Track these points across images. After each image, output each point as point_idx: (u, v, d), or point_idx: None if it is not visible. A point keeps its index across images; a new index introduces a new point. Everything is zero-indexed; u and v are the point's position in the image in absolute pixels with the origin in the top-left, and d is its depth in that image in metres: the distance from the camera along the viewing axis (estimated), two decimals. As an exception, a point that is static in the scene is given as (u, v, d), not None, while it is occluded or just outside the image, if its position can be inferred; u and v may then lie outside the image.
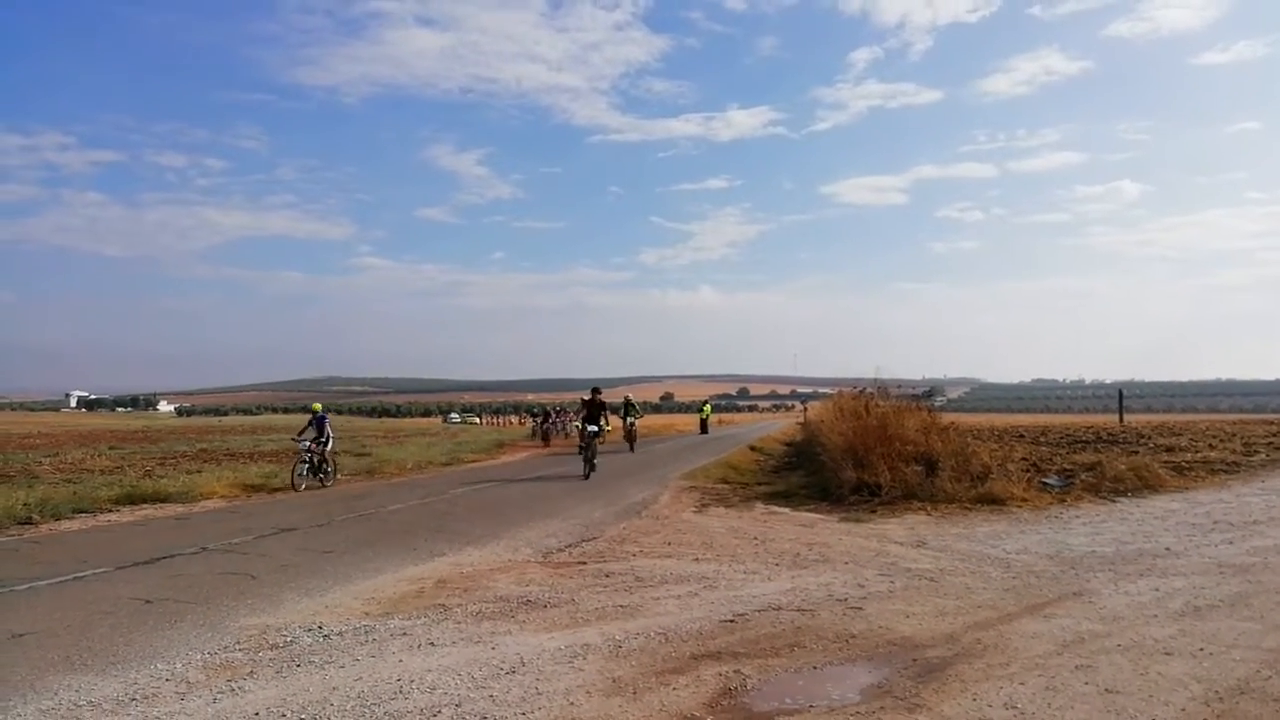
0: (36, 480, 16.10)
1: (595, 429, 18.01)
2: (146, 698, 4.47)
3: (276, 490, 15.57)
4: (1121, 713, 4.13)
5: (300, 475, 15.92)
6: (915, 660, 5.02)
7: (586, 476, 17.11)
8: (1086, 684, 4.54)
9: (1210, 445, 18.58)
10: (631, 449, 25.83)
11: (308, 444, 16.50)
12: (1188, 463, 15.43)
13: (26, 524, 11.08)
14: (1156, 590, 6.70)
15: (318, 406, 18.02)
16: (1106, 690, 4.43)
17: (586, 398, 19.32)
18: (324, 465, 16.67)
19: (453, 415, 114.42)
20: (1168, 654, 5.04)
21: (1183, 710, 4.15)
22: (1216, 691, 4.40)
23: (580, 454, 18.05)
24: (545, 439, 33.76)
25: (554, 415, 39.16)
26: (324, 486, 16.20)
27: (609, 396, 22.80)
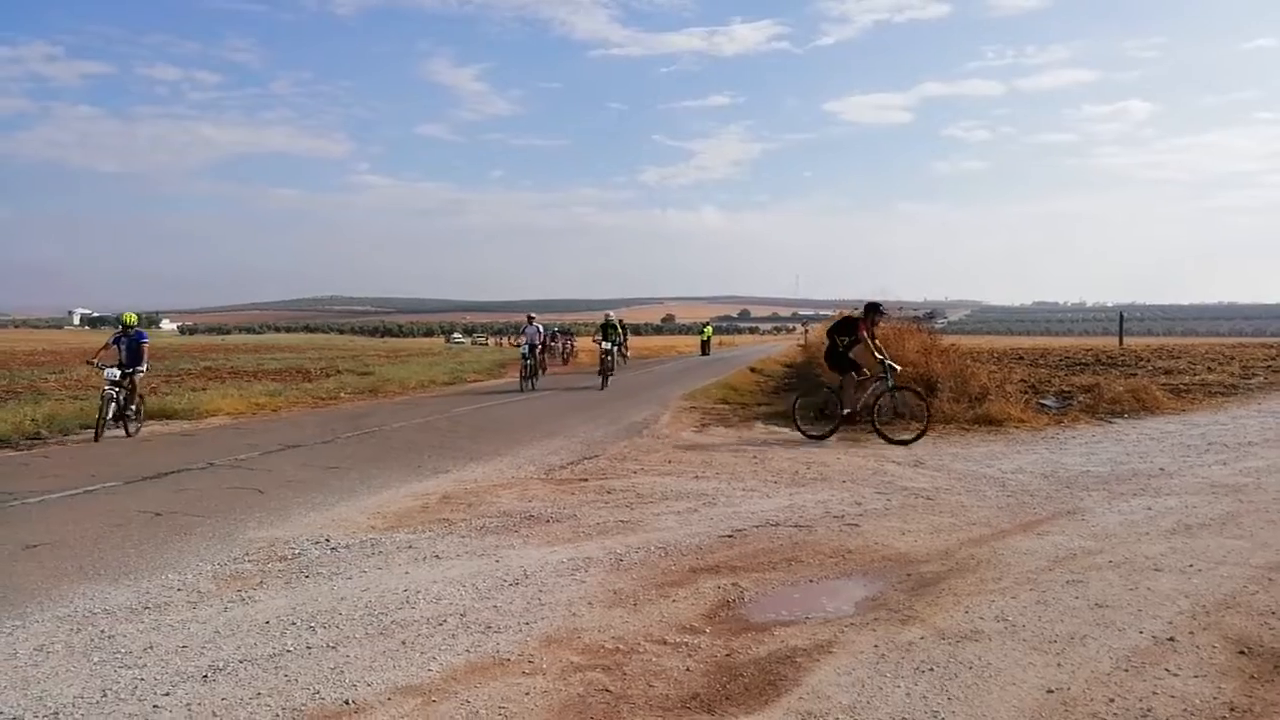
0: (43, 396, 16.23)
1: (609, 345, 21.29)
2: (159, 606, 4.59)
3: (280, 409, 15.69)
4: (1110, 625, 4.23)
5: (106, 420, 11.43)
6: (909, 575, 5.13)
7: (602, 387, 20.18)
8: (1077, 598, 4.64)
9: (1208, 368, 18.64)
10: (603, 384, 20.39)
11: (115, 374, 11.77)
12: (1185, 385, 15.51)
13: (36, 439, 11.21)
14: (1149, 509, 6.80)
15: (131, 318, 12.68)
16: (1096, 604, 4.54)
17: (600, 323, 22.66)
18: (131, 404, 12.04)
19: (456, 335, 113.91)
20: (1157, 570, 5.14)
21: (1170, 623, 4.26)
22: (1203, 606, 4.51)
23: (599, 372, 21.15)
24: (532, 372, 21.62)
25: (560, 336, 35.29)
26: (129, 435, 11.81)
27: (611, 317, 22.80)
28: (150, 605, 4.61)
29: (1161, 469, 8.55)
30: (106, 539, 5.98)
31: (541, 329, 23.55)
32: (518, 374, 21.06)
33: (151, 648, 4.01)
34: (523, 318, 25.08)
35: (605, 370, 20.98)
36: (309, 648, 4.01)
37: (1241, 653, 3.90)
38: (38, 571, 5.20)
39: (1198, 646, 3.97)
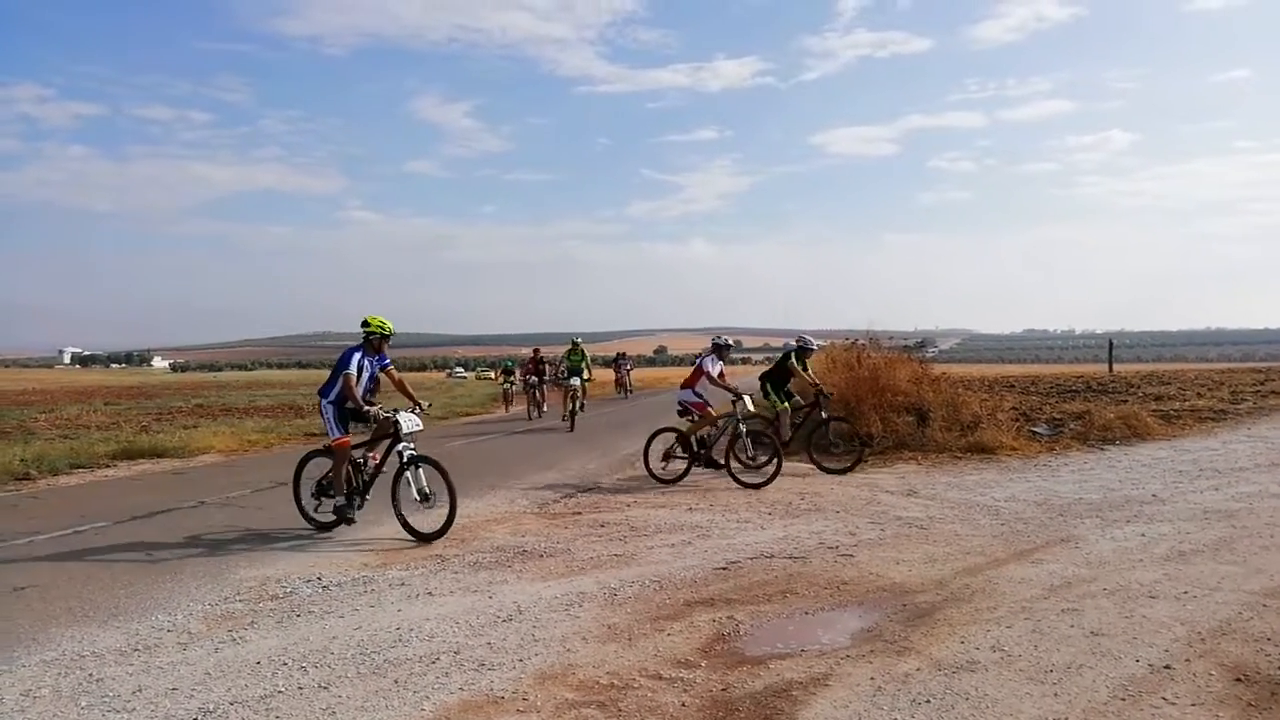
0: (33, 436, 16.13)
1: (577, 382, 18.77)
2: (149, 648, 4.54)
3: (272, 445, 15.62)
4: (1106, 654, 4.22)
5: None
6: (905, 605, 5.12)
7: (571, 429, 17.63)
8: (1072, 627, 4.63)
9: (1198, 394, 18.71)
10: (571, 426, 17.72)
11: None
12: (1176, 411, 15.56)
13: (24, 479, 11.12)
14: (1142, 536, 6.81)
15: None
16: (1092, 633, 4.53)
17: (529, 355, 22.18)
18: None
19: (458, 369, 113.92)
20: (1152, 597, 5.14)
21: (1166, 651, 4.25)
22: (1199, 633, 4.51)
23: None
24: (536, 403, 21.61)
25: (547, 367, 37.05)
26: None
27: (605, 350, 22.95)
28: (140, 647, 4.56)
29: (1154, 495, 8.56)
30: (95, 580, 5.92)
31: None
32: (513, 407, 22.01)
33: (140, 690, 3.96)
34: (515, 350, 25.26)
35: (572, 411, 18.09)
36: (300, 688, 3.96)
37: (1238, 680, 3.89)
38: (25, 614, 5.13)
39: (1194, 675, 3.96)
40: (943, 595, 5.31)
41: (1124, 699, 3.71)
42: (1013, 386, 23.20)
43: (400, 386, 7.77)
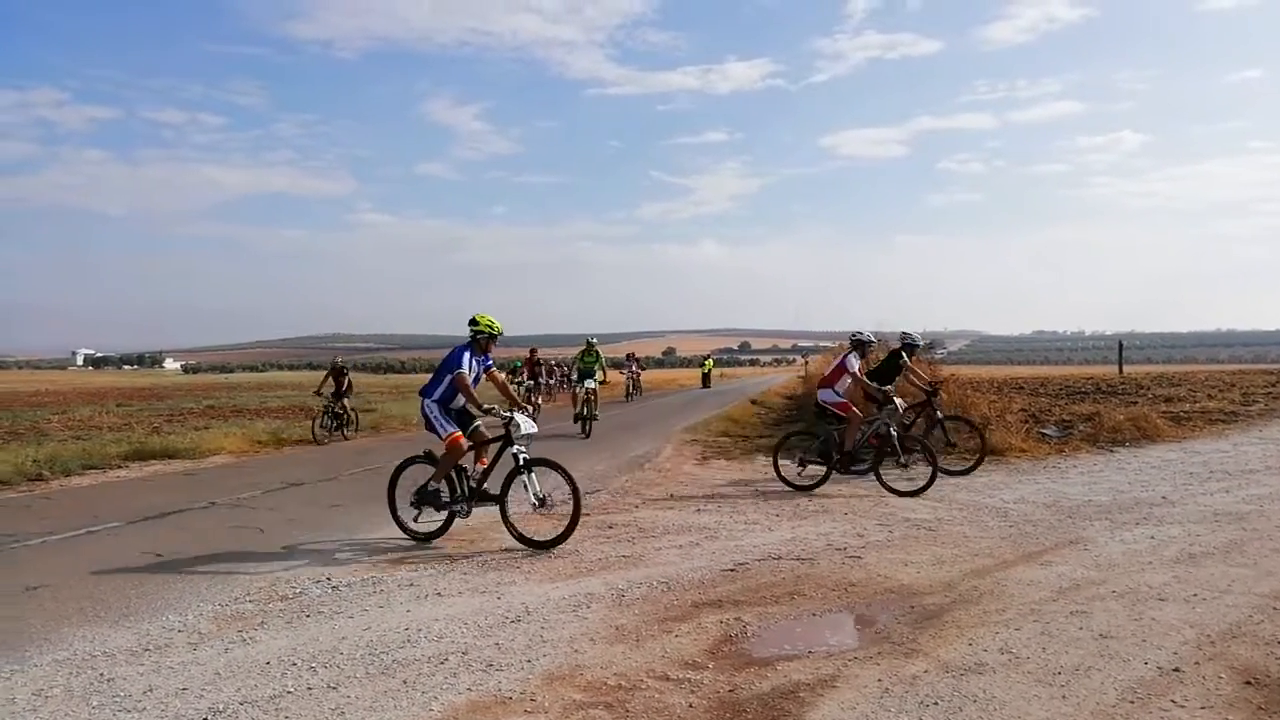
0: (46, 437, 16.24)
1: (592, 385, 17.04)
2: (159, 648, 4.58)
3: (283, 445, 15.70)
4: (1115, 657, 4.21)
5: None
6: (913, 607, 5.11)
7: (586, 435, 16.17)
8: (1081, 629, 4.62)
9: (1209, 395, 18.61)
10: (586, 430, 16.56)
11: None
12: (1186, 413, 15.48)
13: (37, 480, 11.20)
14: (1152, 538, 6.78)
15: None
16: (1101, 635, 4.52)
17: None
18: None
19: None
20: (1162, 600, 5.12)
21: (1175, 654, 4.23)
22: (1209, 636, 4.49)
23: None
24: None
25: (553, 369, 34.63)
26: None
27: (614, 351, 22.56)
28: (150, 647, 4.59)
29: (1164, 497, 8.53)
30: (107, 580, 5.96)
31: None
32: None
33: (151, 690, 3.99)
34: (522, 352, 24.79)
35: (586, 416, 16.68)
36: (309, 689, 3.99)
37: (1248, 683, 3.87)
38: (38, 614, 5.18)
39: (1204, 677, 3.95)
40: (951, 597, 5.30)
41: (1133, 701, 3.70)
42: (1022, 388, 23.11)
43: (503, 389, 7.46)
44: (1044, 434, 13.36)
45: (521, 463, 6.88)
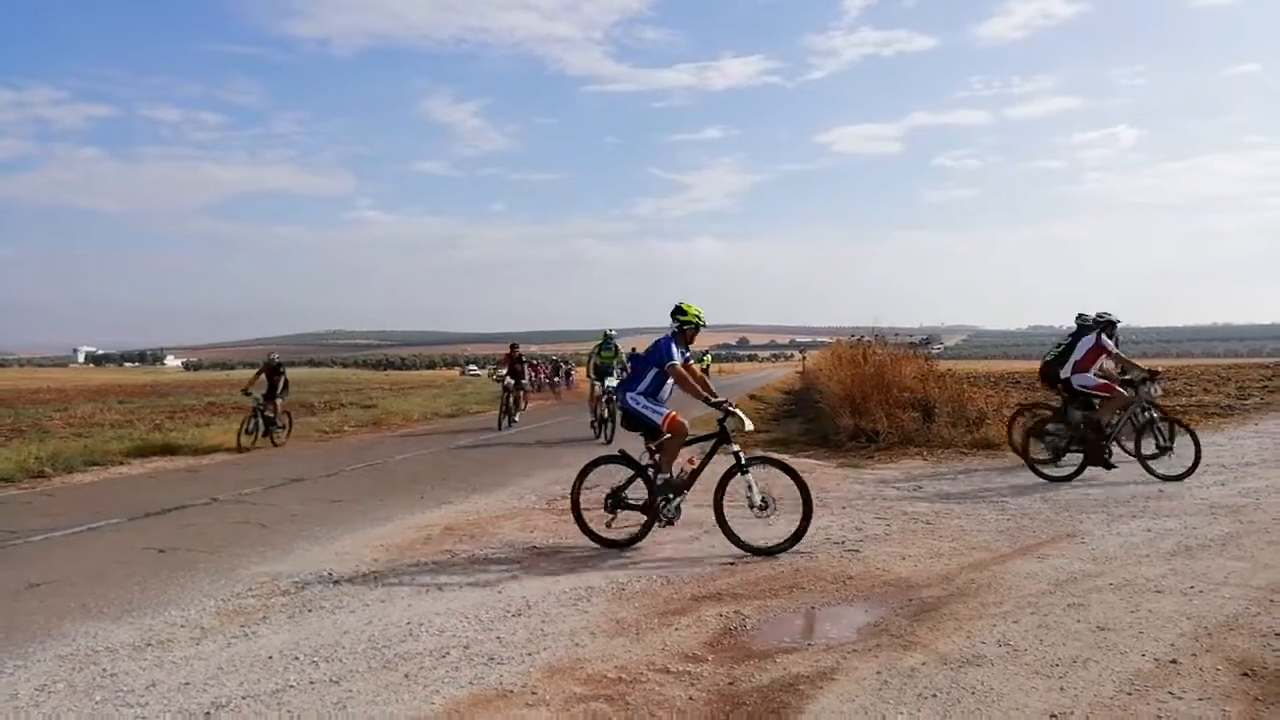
0: (48, 434, 16.28)
1: (612, 384, 14.72)
2: (162, 643, 4.60)
3: (284, 442, 15.72)
4: (1112, 649, 4.24)
5: None
6: (911, 600, 5.14)
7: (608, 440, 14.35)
8: (1079, 621, 4.65)
9: (1205, 389, 18.66)
10: (607, 436, 14.72)
11: None
12: (1182, 407, 15.53)
13: (39, 477, 11.23)
14: (1149, 531, 6.80)
15: None
16: (1098, 627, 4.54)
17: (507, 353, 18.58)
18: None
19: (471, 367, 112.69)
20: (1159, 592, 5.15)
21: (1172, 646, 4.26)
22: (1206, 628, 4.51)
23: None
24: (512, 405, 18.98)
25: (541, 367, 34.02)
26: None
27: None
28: (153, 642, 4.61)
29: (1160, 490, 8.55)
30: (109, 576, 5.99)
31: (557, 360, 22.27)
32: (522, 405, 20.10)
33: (154, 685, 4.01)
34: (525, 348, 24.47)
35: (606, 418, 14.92)
36: (312, 683, 4.01)
37: (1245, 675, 3.90)
38: (40, 610, 5.20)
39: (1201, 669, 3.97)
40: (948, 590, 5.33)
41: (1130, 693, 3.73)
42: (1018, 383, 23.14)
43: (703, 383, 6.83)
44: (1043, 428, 13.37)
45: (743, 461, 6.43)
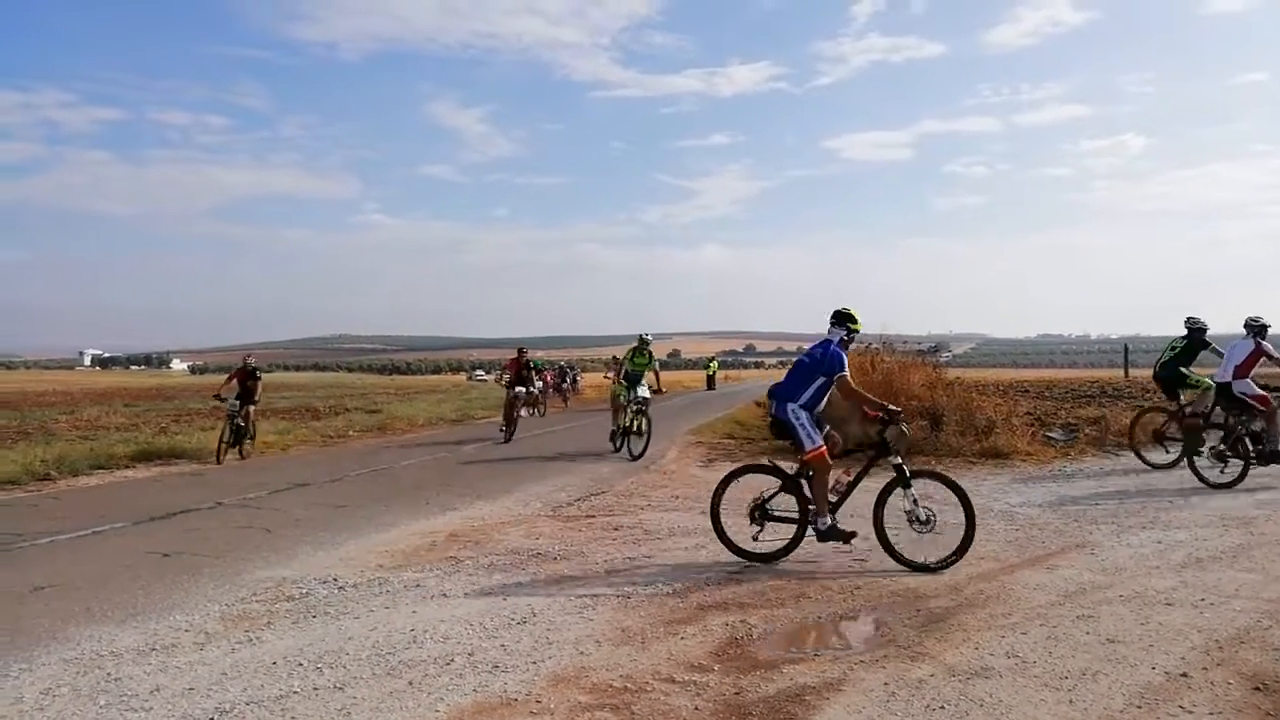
0: (54, 437, 16.31)
1: (644, 394, 13.67)
2: (166, 648, 4.59)
3: (289, 447, 15.73)
4: (1122, 661, 4.20)
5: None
6: (919, 610, 5.10)
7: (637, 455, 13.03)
8: (1088, 634, 4.61)
9: (1218, 399, 18.54)
10: (635, 450, 13.14)
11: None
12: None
13: (45, 480, 11.25)
14: (1159, 542, 6.76)
15: None
16: (1108, 640, 4.51)
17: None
18: None
19: (479, 372, 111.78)
20: (1169, 604, 5.11)
21: (1183, 659, 4.22)
22: (1217, 641, 4.47)
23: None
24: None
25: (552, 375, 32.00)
26: None
27: (618, 352, 21.53)
28: (157, 647, 4.60)
29: (1170, 501, 8.49)
30: (114, 580, 5.98)
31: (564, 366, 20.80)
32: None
33: (158, 690, 4.00)
34: (531, 354, 24.11)
35: (630, 431, 13.37)
36: (316, 689, 3.99)
37: (1257, 689, 3.86)
38: (45, 613, 5.20)
39: (1212, 683, 3.93)
40: (957, 601, 5.29)
41: (1140, 707, 3.69)
42: (1027, 391, 23.06)
43: (861, 397, 6.55)
44: (1050, 437, 13.33)
45: (908, 474, 6.19)
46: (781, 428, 6.43)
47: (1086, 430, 13.75)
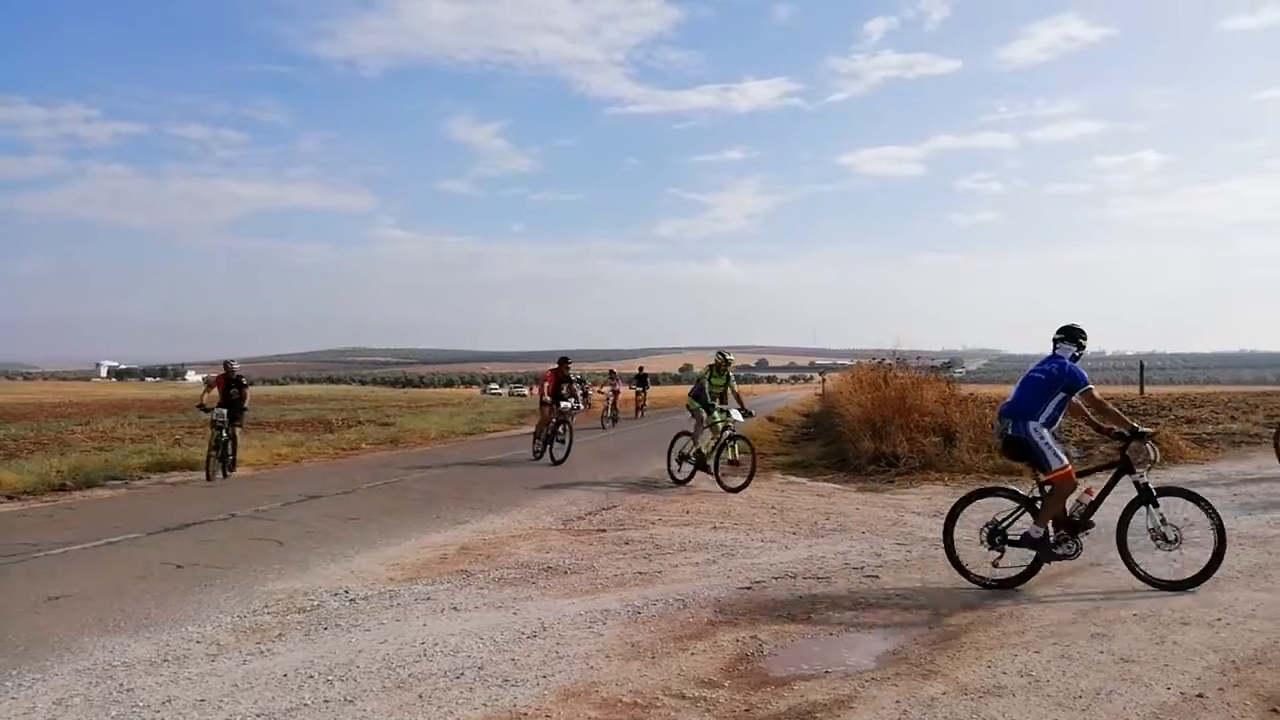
0: (69, 448, 16.42)
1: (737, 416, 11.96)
2: (178, 659, 4.61)
3: (302, 459, 15.79)
4: (1137, 681, 4.16)
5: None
6: (931, 628, 5.07)
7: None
8: (1102, 652, 4.57)
9: (1231, 417, 18.35)
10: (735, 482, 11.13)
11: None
12: (1209, 434, 15.28)
13: (60, 490, 11.33)
14: (1174, 561, 6.68)
15: None
16: (1122, 659, 4.46)
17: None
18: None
19: (492, 386, 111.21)
20: (1184, 624, 5.05)
21: (1198, 679, 4.17)
22: (1233, 661, 4.42)
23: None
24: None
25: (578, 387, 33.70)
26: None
27: (628, 368, 21.16)
28: (169, 658, 4.62)
29: (1186, 519, 8.39)
30: (128, 591, 6.02)
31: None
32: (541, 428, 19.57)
33: (170, 701, 4.02)
34: (543, 367, 23.93)
35: (729, 459, 11.43)
36: (326, 701, 4.00)
37: (1274, 710, 3.81)
38: (59, 624, 5.23)
39: (1228, 704, 3.89)
40: (969, 618, 5.26)
41: (1154, 727, 3.65)
42: (1043, 407, 22.90)
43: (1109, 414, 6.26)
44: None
45: (1154, 491, 6.04)
46: (1020, 447, 6.17)
47: (1101, 448, 13.64)
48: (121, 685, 4.22)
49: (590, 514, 9.36)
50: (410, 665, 4.48)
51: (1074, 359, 6.22)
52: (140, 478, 12.79)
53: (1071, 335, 6.31)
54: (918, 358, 16.42)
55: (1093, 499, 6.14)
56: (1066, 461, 6.04)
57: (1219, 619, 5.13)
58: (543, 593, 5.98)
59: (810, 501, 10.08)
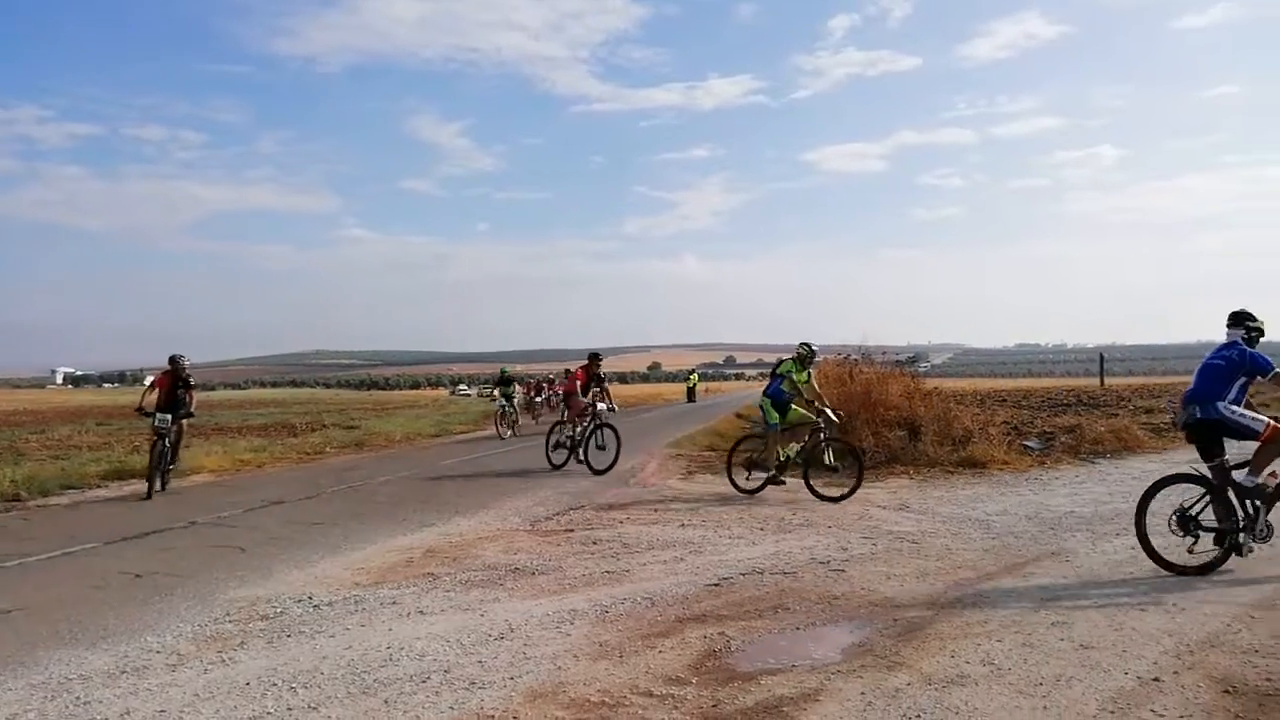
0: (23, 457, 16.04)
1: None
2: (137, 670, 4.52)
3: (264, 464, 15.57)
4: (1095, 667, 4.24)
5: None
6: (896, 620, 5.13)
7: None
8: (1062, 640, 4.65)
9: (1190, 406, 18.82)
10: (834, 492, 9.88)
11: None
12: (1167, 424, 15.63)
13: (14, 501, 11.05)
14: (1133, 549, 6.81)
15: None
16: (1081, 646, 4.55)
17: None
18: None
19: (462, 387, 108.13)
20: (1142, 610, 5.16)
21: (1154, 664, 4.26)
22: (1188, 645, 4.53)
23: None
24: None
25: (546, 387, 31.20)
26: None
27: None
28: (128, 669, 4.53)
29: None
30: (85, 602, 5.89)
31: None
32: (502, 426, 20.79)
33: (128, 713, 3.94)
34: (510, 368, 23.98)
35: (827, 467, 10.17)
36: (290, 709, 3.95)
37: (1226, 692, 3.91)
38: (12, 638, 5.10)
39: (1183, 686, 3.98)
40: (934, 610, 5.32)
41: (1113, 711, 3.73)
42: (1004, 400, 23.28)
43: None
44: (1026, 446, 13.46)
45: None
46: (1210, 429, 6.17)
47: (1062, 439, 13.90)
48: (78, 698, 4.13)
49: (558, 514, 9.33)
50: (376, 670, 4.44)
51: (1247, 341, 6.20)
52: (98, 486, 12.53)
53: (1239, 320, 6.27)
54: (883, 353, 16.59)
55: (1278, 482, 6.04)
56: (1269, 420, 6.04)
57: (1175, 605, 5.24)
58: (510, 594, 5.95)
59: (777, 494, 10.14)
